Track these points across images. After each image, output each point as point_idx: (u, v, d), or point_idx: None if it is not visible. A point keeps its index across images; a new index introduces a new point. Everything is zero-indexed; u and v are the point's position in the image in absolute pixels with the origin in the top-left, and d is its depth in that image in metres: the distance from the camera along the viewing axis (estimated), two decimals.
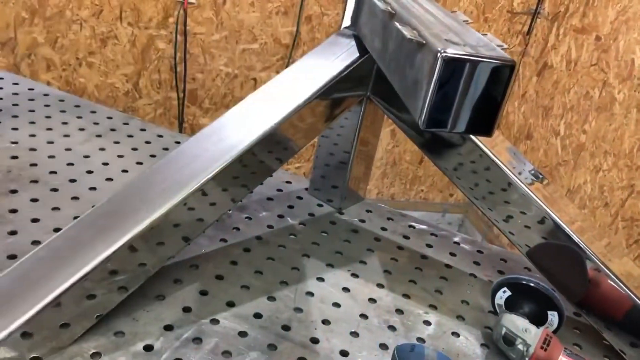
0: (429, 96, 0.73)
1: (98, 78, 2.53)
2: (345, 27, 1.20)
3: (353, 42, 1.15)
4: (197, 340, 0.90)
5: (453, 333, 1.03)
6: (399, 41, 0.85)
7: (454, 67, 0.72)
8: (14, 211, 1.10)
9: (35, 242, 1.03)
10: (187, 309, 0.96)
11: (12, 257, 0.99)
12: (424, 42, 0.75)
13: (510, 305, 1.04)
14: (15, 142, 1.34)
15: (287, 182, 1.44)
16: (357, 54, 1.12)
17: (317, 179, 1.40)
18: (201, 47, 2.59)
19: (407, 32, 0.78)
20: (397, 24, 0.84)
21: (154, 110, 2.68)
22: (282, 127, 1.10)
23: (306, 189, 1.41)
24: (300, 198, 1.38)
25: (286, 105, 1.09)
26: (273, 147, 1.11)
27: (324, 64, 1.12)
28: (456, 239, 1.33)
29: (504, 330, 0.96)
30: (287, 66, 2.68)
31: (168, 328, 0.92)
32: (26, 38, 2.40)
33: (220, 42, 2.60)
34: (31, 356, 0.81)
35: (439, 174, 3.19)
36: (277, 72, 2.69)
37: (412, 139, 1.22)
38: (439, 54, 0.72)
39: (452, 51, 0.72)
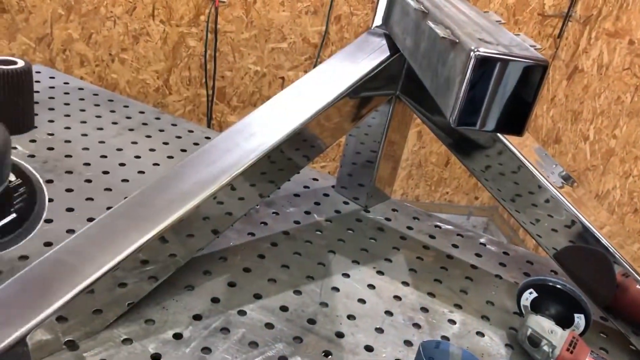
0: (460, 94, 0.74)
1: (130, 74, 2.58)
2: (376, 26, 1.21)
3: (384, 41, 1.16)
4: (225, 330, 0.92)
5: (478, 333, 1.03)
6: (432, 40, 0.86)
7: (486, 66, 0.73)
8: (50, 200, 1.14)
9: (70, 231, 1.06)
10: (215, 300, 0.98)
11: (48, 244, 1.02)
12: (457, 40, 0.76)
13: (536, 307, 1.04)
14: (52, 134, 1.38)
15: (314, 179, 1.45)
16: (388, 53, 1.13)
17: (344, 177, 1.41)
18: (231, 45, 2.62)
19: (440, 31, 0.79)
20: (430, 22, 0.84)
21: (184, 107, 2.72)
22: (310, 125, 1.11)
23: (333, 186, 1.42)
24: (326, 195, 1.39)
25: (315, 103, 1.10)
26: (301, 144, 1.13)
27: (354, 62, 1.13)
28: (482, 240, 1.33)
29: (529, 331, 0.96)
30: (315, 66, 2.69)
31: (197, 317, 0.94)
32: (62, 34, 2.46)
33: (250, 41, 2.62)
34: (66, 339, 0.84)
35: (464, 177, 3.18)
36: (305, 72, 2.71)
37: (441, 139, 1.22)
38: (472, 53, 0.72)
39: (485, 50, 0.73)
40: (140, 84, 2.61)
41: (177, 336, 0.89)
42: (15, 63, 1.31)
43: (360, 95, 1.15)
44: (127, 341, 0.87)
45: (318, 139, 1.18)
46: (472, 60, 0.72)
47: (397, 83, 1.19)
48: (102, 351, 0.84)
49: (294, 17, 2.59)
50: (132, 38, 2.51)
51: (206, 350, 0.88)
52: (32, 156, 1.27)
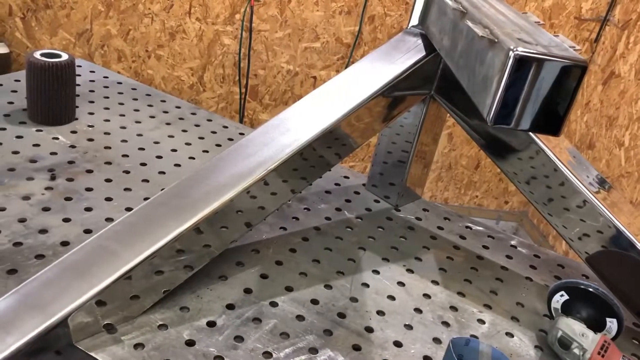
0: (498, 93, 0.74)
1: (165, 70, 2.63)
2: (413, 26, 1.22)
3: (420, 41, 1.16)
4: (257, 320, 0.94)
5: (507, 333, 1.03)
6: (470, 39, 0.86)
7: (525, 65, 0.73)
8: (89, 189, 1.17)
9: (109, 219, 1.09)
10: (248, 291, 1.00)
11: (88, 231, 1.05)
12: (496, 40, 0.76)
13: (567, 310, 1.03)
14: (92, 126, 1.42)
15: (345, 177, 1.46)
16: (424, 52, 1.14)
17: (375, 176, 1.42)
18: (264, 44, 2.64)
19: (479, 30, 0.79)
20: (468, 22, 0.85)
21: (216, 104, 2.76)
22: (343, 123, 1.12)
23: (364, 184, 1.44)
24: (357, 193, 1.40)
25: (350, 101, 1.12)
26: (333, 142, 1.14)
27: (390, 61, 1.14)
28: (513, 242, 1.33)
29: (560, 333, 0.95)
30: (347, 66, 2.70)
31: (230, 307, 0.96)
32: (101, 30, 2.52)
33: (283, 40, 2.65)
34: (104, 322, 0.87)
35: (494, 180, 3.15)
36: (337, 72, 2.73)
37: (474, 140, 1.22)
38: (510, 52, 0.73)
39: (523, 49, 0.73)
40: (175, 80, 2.66)
41: (211, 324, 0.91)
42: (59, 56, 1.36)
43: (395, 95, 1.16)
44: (163, 327, 0.89)
45: (350, 137, 1.19)
46: (511, 60, 0.72)
47: (432, 83, 1.20)
48: (139, 335, 0.87)
49: (327, 17, 2.61)
50: (169, 35, 2.56)
51: (239, 338, 0.90)
52: (73, 147, 1.31)
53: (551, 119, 0.77)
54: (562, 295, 1.03)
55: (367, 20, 2.63)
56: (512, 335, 1.03)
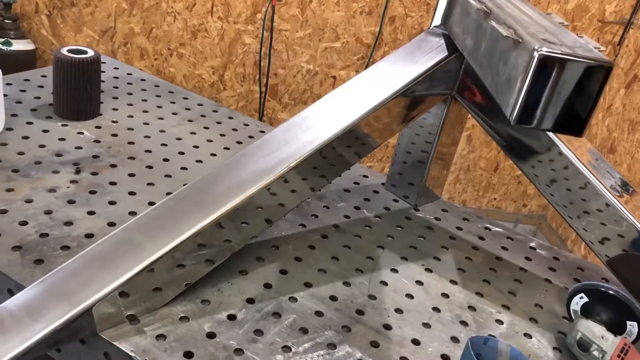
0: (522, 93, 0.75)
1: (187, 68, 2.65)
2: (435, 26, 1.22)
3: (442, 41, 1.17)
4: (277, 314, 0.95)
5: (525, 334, 1.03)
6: (494, 39, 0.87)
7: (549, 65, 0.73)
8: (113, 183, 1.19)
9: (132, 213, 1.11)
10: (267, 285, 1.01)
11: (112, 224, 1.07)
12: (520, 40, 0.77)
13: (587, 312, 1.03)
14: (115, 121, 1.44)
15: (364, 176, 1.47)
16: (446, 52, 1.14)
17: (394, 175, 1.42)
18: (285, 43, 2.66)
19: (503, 31, 0.79)
20: (493, 22, 0.85)
21: (236, 102, 2.78)
22: (363, 123, 1.13)
23: (383, 184, 1.44)
24: (376, 192, 1.41)
25: (370, 101, 1.12)
26: (352, 142, 1.15)
27: (412, 60, 1.14)
28: (532, 244, 1.32)
29: (579, 335, 0.95)
30: (367, 66, 2.71)
31: (250, 301, 0.97)
32: (124, 27, 2.55)
33: (304, 40, 2.66)
34: (127, 313, 0.88)
35: (513, 183, 3.14)
36: (357, 72, 2.73)
37: (496, 141, 1.22)
38: (535, 52, 0.73)
39: (548, 49, 0.73)
40: (196, 78, 2.68)
41: (231, 317, 0.93)
42: (86, 53, 1.38)
43: (416, 95, 1.16)
44: (184, 319, 0.91)
45: (370, 137, 1.20)
46: (535, 60, 0.72)
47: (453, 83, 1.20)
48: (161, 327, 0.88)
49: (348, 17, 2.61)
50: (191, 33, 2.59)
51: (258, 332, 0.91)
52: (98, 141, 1.33)
53: (574, 120, 0.77)
54: (581, 298, 1.03)
55: (388, 20, 2.63)
56: (530, 337, 1.03)
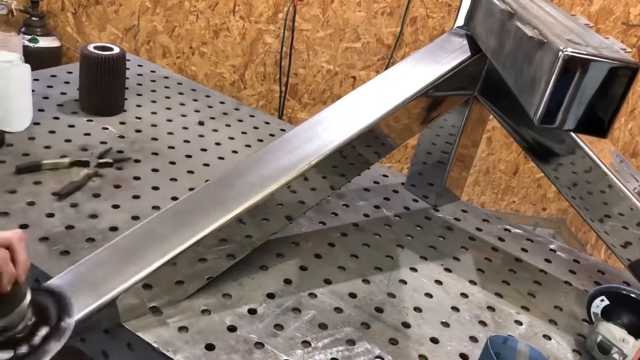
0: (546, 93, 0.75)
1: (208, 67, 2.68)
2: (458, 27, 1.22)
3: (465, 41, 1.17)
4: (296, 310, 0.96)
5: (544, 336, 1.03)
6: (518, 40, 0.87)
7: (575, 66, 0.73)
8: (137, 178, 1.21)
9: (155, 207, 1.13)
10: (287, 281, 1.02)
11: (136, 217, 1.09)
12: (545, 40, 0.77)
13: (607, 315, 1.02)
14: (139, 118, 1.46)
15: (384, 175, 1.47)
16: (469, 53, 1.14)
17: (414, 175, 1.43)
18: (306, 43, 2.67)
19: (528, 31, 0.80)
20: (517, 22, 0.85)
21: (256, 102, 2.79)
22: (384, 122, 1.13)
23: (402, 183, 1.44)
24: (396, 192, 1.41)
25: (393, 100, 1.13)
26: (372, 141, 1.16)
27: (435, 61, 1.15)
28: (552, 246, 1.32)
29: (599, 338, 0.95)
30: (387, 67, 2.71)
31: (270, 296, 0.98)
32: (147, 26, 2.58)
33: (325, 40, 2.67)
34: (150, 305, 0.90)
35: (532, 187, 3.11)
36: (377, 72, 2.73)
37: (518, 143, 1.22)
38: (560, 52, 0.73)
39: (573, 50, 0.73)
40: (217, 77, 2.71)
41: (252, 311, 0.94)
42: (111, 49, 1.40)
43: (438, 95, 1.17)
44: (206, 312, 0.92)
45: (390, 137, 1.20)
46: (561, 60, 0.72)
47: (475, 84, 1.20)
48: (183, 319, 0.90)
49: (369, 18, 2.62)
50: (213, 32, 2.61)
51: (278, 327, 0.92)
52: (122, 137, 1.36)
53: (598, 120, 0.77)
54: (602, 300, 1.02)
55: (409, 21, 2.63)
56: (549, 338, 1.03)
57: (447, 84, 1.14)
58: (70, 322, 0.76)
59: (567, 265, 1.26)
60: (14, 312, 0.71)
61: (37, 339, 0.73)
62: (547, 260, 1.26)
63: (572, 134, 1.08)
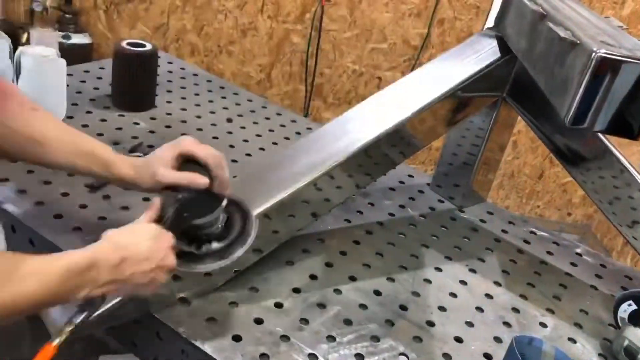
0: (578, 94, 0.75)
1: (235, 66, 2.71)
2: (488, 28, 1.22)
3: (495, 42, 1.17)
4: (322, 305, 0.97)
5: (569, 339, 1.03)
6: (550, 41, 0.87)
7: (608, 67, 0.73)
8: None
9: None
10: (313, 277, 1.04)
11: None
12: (577, 42, 0.77)
13: (634, 320, 1.01)
14: (169, 114, 1.49)
15: (410, 175, 1.48)
16: (499, 54, 1.14)
17: (440, 176, 1.43)
18: (332, 43, 2.68)
19: (561, 32, 0.80)
20: (550, 24, 0.85)
21: (282, 101, 2.81)
22: (412, 123, 1.14)
23: (428, 184, 1.45)
24: (421, 192, 1.42)
25: (421, 100, 1.13)
26: (398, 142, 1.16)
27: (464, 61, 1.15)
28: (578, 250, 1.31)
29: (626, 342, 0.94)
30: (413, 68, 2.70)
31: (296, 291, 0.99)
32: (177, 24, 2.62)
33: (351, 40, 2.68)
34: (179, 296, 0.92)
35: (558, 191, 3.08)
36: (403, 73, 2.73)
37: (546, 145, 1.22)
38: (593, 54, 0.73)
39: (606, 51, 0.73)
40: (244, 76, 2.73)
41: (278, 305, 0.95)
42: (144, 46, 1.43)
43: (467, 95, 1.17)
44: (233, 304, 0.94)
45: (417, 137, 1.21)
46: (594, 61, 0.72)
47: (504, 86, 1.20)
48: (211, 311, 0.91)
49: (397, 19, 2.62)
50: (241, 32, 2.64)
51: (304, 321, 0.93)
52: (152, 132, 1.38)
53: (629, 122, 0.77)
54: (629, 305, 1.02)
55: (436, 23, 2.63)
56: (574, 341, 1.02)
57: (476, 85, 1.14)
58: (253, 230, 0.86)
59: (593, 269, 1.25)
60: (214, 212, 0.83)
61: (227, 240, 0.84)
62: (573, 264, 1.25)
63: (602, 137, 1.08)
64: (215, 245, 0.83)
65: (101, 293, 0.72)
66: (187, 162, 0.88)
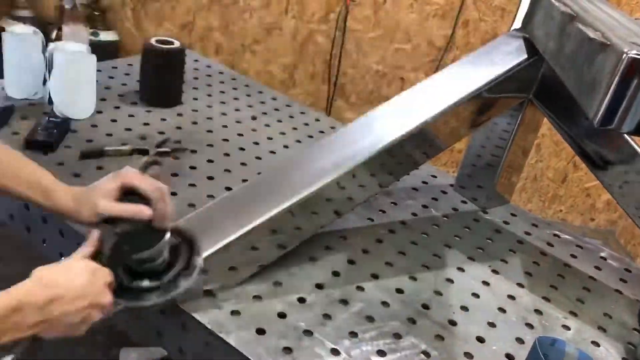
0: (608, 95, 0.74)
1: (259, 65, 2.73)
2: (515, 29, 1.22)
3: (522, 43, 1.16)
4: (344, 301, 0.98)
5: (593, 342, 1.02)
6: (579, 42, 0.86)
7: (638, 68, 0.73)
8: (193, 167, 1.26)
9: (210, 196, 1.16)
10: (336, 273, 1.05)
11: (192, 205, 1.13)
12: (608, 43, 0.76)
13: None
14: (195, 110, 1.51)
15: (433, 176, 1.48)
16: (526, 55, 1.14)
17: (464, 177, 1.43)
18: (356, 43, 2.69)
19: (591, 33, 0.79)
20: (579, 25, 0.85)
21: (304, 100, 2.83)
22: (435, 124, 1.14)
23: (451, 185, 1.44)
24: (444, 193, 1.41)
25: (445, 101, 1.13)
26: (421, 142, 1.17)
27: (491, 62, 1.15)
28: (603, 254, 1.30)
29: None
30: (437, 69, 2.70)
31: (319, 287, 1.00)
32: (202, 23, 2.65)
33: (375, 40, 2.68)
34: (205, 288, 0.93)
35: (581, 196, 3.05)
36: (426, 74, 2.72)
37: (572, 147, 1.21)
38: (624, 55, 0.73)
39: (637, 53, 0.73)
40: (267, 75, 2.75)
41: (301, 300, 0.96)
42: (172, 43, 1.45)
43: (493, 96, 1.17)
44: (257, 298, 0.95)
45: (440, 138, 1.21)
46: (624, 62, 0.72)
47: (531, 87, 1.20)
48: (235, 303, 0.93)
49: (421, 20, 2.62)
50: (265, 31, 2.66)
51: (327, 316, 0.94)
52: (179, 128, 1.40)
53: None
54: None
55: (461, 24, 2.62)
56: (598, 345, 1.02)
57: (502, 86, 1.14)
58: (199, 261, 0.85)
59: (618, 273, 1.24)
60: (157, 246, 0.81)
61: (170, 274, 0.82)
62: (597, 268, 1.24)
63: (630, 139, 1.07)
64: (158, 279, 0.82)
65: (29, 335, 0.69)
66: (128, 194, 0.85)
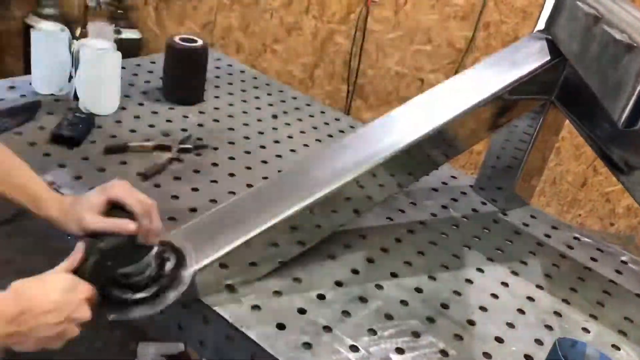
0: (633, 96, 0.74)
1: (279, 65, 2.74)
2: (538, 31, 1.21)
3: (545, 45, 1.16)
4: (363, 299, 0.99)
5: (613, 345, 1.01)
6: (604, 43, 0.86)
7: None
8: (215, 164, 1.27)
9: (231, 192, 1.18)
10: (355, 271, 1.05)
11: (213, 201, 1.14)
12: (634, 44, 0.76)
13: None
14: (217, 108, 1.52)
15: (453, 176, 1.48)
16: (549, 57, 1.14)
17: (483, 179, 1.42)
18: (376, 44, 2.69)
19: (616, 35, 0.79)
20: (604, 26, 0.85)
21: (323, 101, 2.83)
22: (457, 124, 1.14)
23: (471, 186, 1.44)
24: (464, 194, 1.41)
25: (467, 102, 1.13)
26: (441, 143, 1.17)
27: (514, 64, 1.15)
28: (624, 258, 1.29)
29: None
30: (457, 71, 2.69)
31: (338, 284, 1.01)
32: (223, 22, 2.67)
33: (395, 41, 2.68)
34: (226, 283, 0.95)
35: (601, 200, 3.02)
36: (446, 76, 2.72)
37: (594, 150, 1.20)
38: None
39: None
40: (287, 75, 2.76)
41: (321, 297, 0.97)
42: (196, 42, 1.47)
43: (515, 98, 1.16)
44: (278, 293, 0.96)
45: (460, 139, 1.21)
46: None
47: (553, 89, 1.19)
48: (256, 298, 0.94)
49: (442, 21, 2.61)
50: (286, 31, 2.67)
51: (346, 313, 0.95)
52: (201, 125, 1.42)
53: None
54: None
55: (482, 26, 2.61)
56: (618, 348, 1.01)
57: (524, 87, 1.14)
58: (186, 275, 0.86)
59: (639, 278, 1.23)
60: (142, 261, 0.82)
61: (157, 287, 0.83)
62: (618, 272, 1.23)
63: None
64: (145, 292, 0.82)
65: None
66: (114, 208, 0.84)
